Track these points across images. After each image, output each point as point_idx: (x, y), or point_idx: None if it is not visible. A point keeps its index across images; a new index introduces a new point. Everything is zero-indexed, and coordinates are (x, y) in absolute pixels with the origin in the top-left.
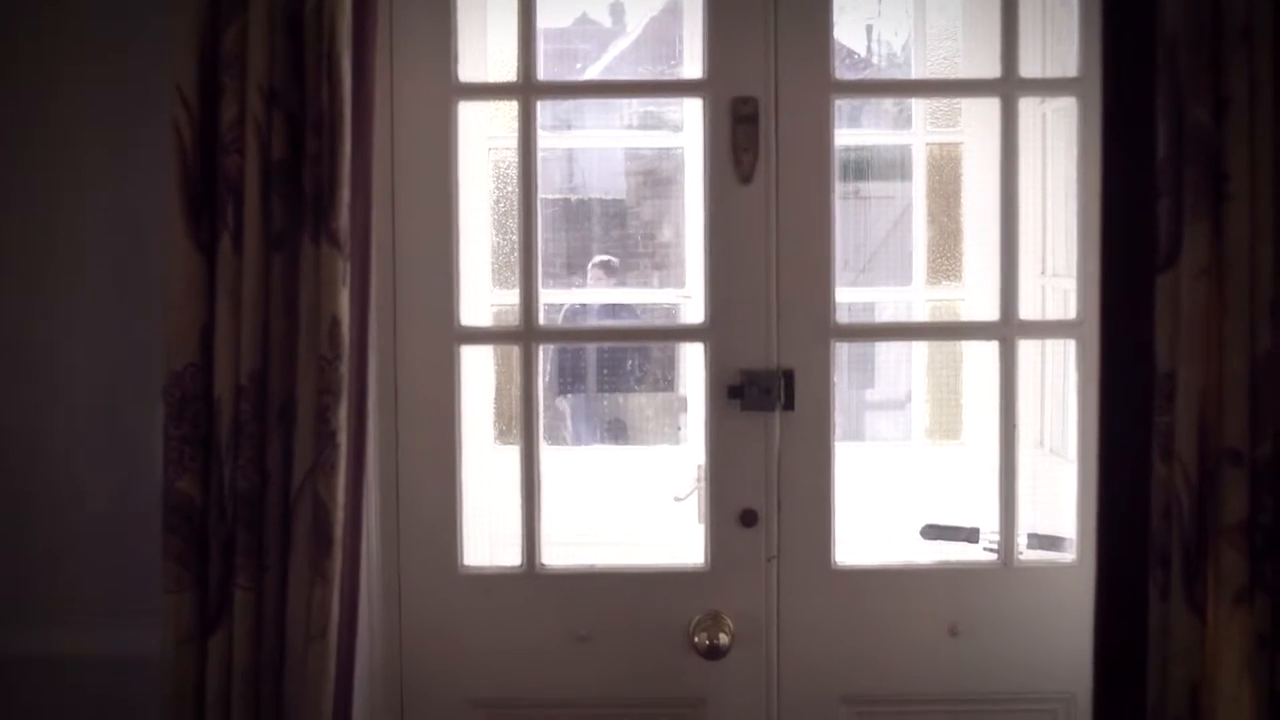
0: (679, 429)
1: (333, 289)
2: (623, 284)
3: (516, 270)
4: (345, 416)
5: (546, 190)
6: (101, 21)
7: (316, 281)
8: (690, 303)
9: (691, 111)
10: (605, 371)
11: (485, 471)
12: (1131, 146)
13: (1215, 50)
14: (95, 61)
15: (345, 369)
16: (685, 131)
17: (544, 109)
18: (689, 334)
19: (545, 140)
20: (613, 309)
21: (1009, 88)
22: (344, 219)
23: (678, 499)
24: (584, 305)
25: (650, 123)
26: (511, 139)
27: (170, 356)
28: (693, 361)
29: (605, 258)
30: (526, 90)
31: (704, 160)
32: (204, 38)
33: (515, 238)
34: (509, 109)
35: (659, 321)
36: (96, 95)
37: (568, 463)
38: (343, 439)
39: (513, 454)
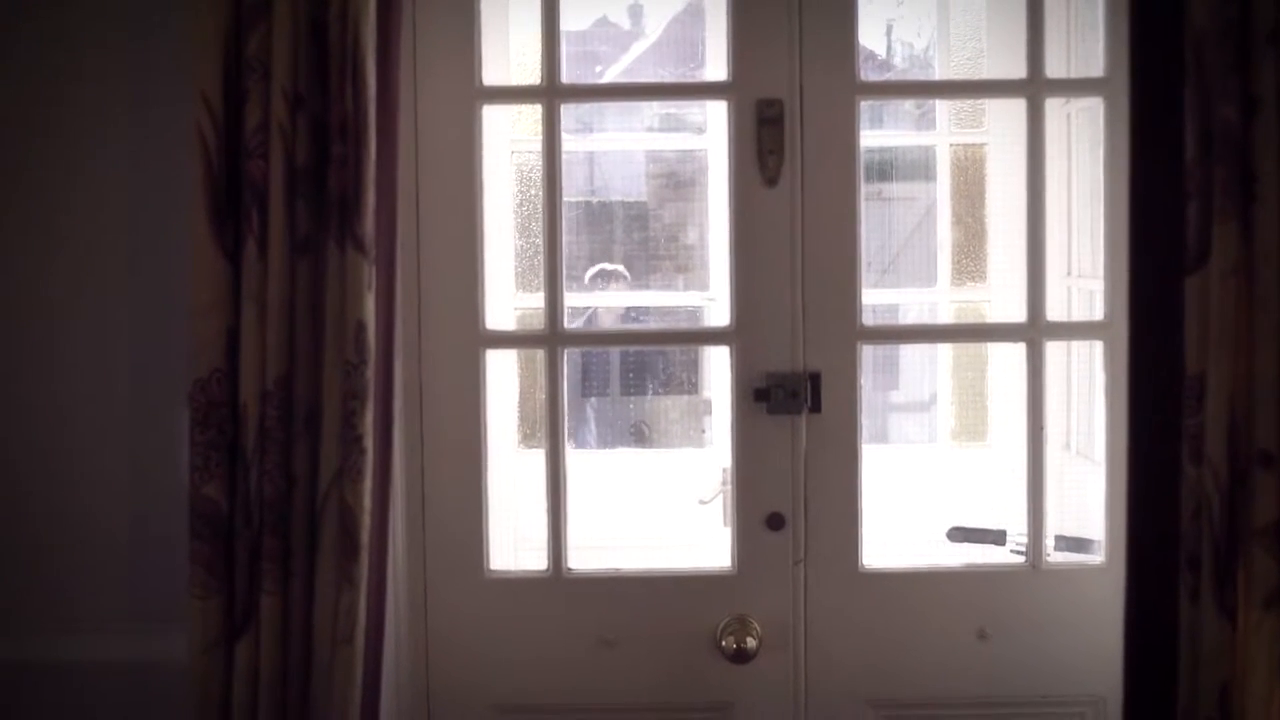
0: (703, 432)
1: (358, 294)
2: (644, 287)
3: (540, 274)
4: (371, 421)
5: (567, 193)
6: (112, 10)
7: (342, 286)
8: (714, 305)
9: (715, 114)
10: (630, 375)
11: (510, 476)
12: (1159, 147)
13: (1244, 49)
14: (107, 47)
15: (371, 374)
16: (708, 134)
17: (566, 112)
18: (715, 337)
19: (566, 143)
20: (633, 312)
21: (1035, 89)
22: (369, 224)
23: (703, 502)
24: (598, 309)
25: (671, 125)
26: (534, 142)
27: (195, 362)
28: (717, 364)
29: (613, 266)
30: (551, 94)
31: (729, 163)
32: (227, 42)
33: (539, 241)
34: (532, 112)
35: (682, 324)
36: (108, 83)
37: (592, 466)
38: (369, 444)
39: (537, 458)
